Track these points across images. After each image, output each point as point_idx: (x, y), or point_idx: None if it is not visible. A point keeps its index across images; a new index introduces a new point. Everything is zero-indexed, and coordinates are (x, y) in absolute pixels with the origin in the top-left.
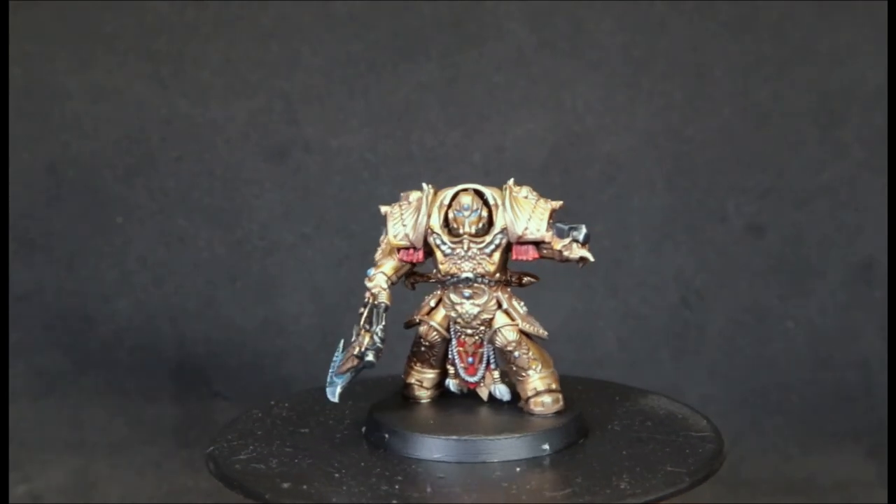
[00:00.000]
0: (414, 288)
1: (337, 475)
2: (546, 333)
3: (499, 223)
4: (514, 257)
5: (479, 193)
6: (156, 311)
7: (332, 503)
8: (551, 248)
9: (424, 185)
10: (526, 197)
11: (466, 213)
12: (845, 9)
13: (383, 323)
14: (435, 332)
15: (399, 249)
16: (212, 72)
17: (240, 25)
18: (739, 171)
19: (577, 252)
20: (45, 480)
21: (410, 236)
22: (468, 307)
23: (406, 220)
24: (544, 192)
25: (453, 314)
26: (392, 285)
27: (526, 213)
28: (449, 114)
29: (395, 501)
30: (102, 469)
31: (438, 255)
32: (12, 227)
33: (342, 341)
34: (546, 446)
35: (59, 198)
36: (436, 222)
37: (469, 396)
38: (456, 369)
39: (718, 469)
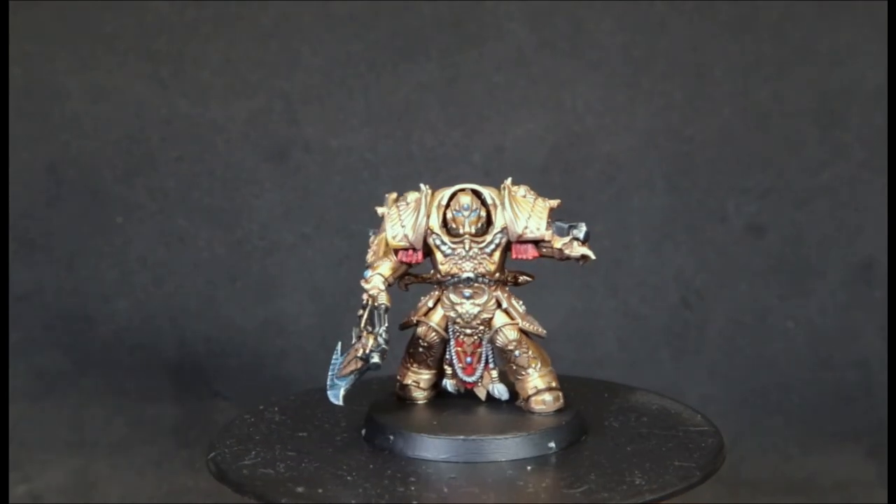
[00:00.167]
0: (407, 289)
1: (349, 478)
2: (545, 332)
3: (498, 222)
4: (514, 256)
5: (476, 193)
6: (156, 311)
7: None
8: (551, 247)
9: (422, 185)
10: (524, 196)
11: (466, 213)
12: (845, 9)
13: (386, 324)
14: (434, 333)
15: (397, 251)
16: (212, 72)
17: (240, 25)
18: (739, 171)
19: (579, 250)
20: (45, 480)
21: (410, 237)
22: (468, 307)
23: (405, 220)
24: (544, 192)
25: (453, 314)
26: (389, 286)
27: (525, 212)
28: (449, 114)
29: (414, 502)
30: (102, 469)
31: (438, 255)
32: (12, 227)
33: (340, 344)
34: (552, 444)
35: (59, 198)
36: (435, 223)
37: (466, 396)
38: (454, 369)
39: (723, 463)
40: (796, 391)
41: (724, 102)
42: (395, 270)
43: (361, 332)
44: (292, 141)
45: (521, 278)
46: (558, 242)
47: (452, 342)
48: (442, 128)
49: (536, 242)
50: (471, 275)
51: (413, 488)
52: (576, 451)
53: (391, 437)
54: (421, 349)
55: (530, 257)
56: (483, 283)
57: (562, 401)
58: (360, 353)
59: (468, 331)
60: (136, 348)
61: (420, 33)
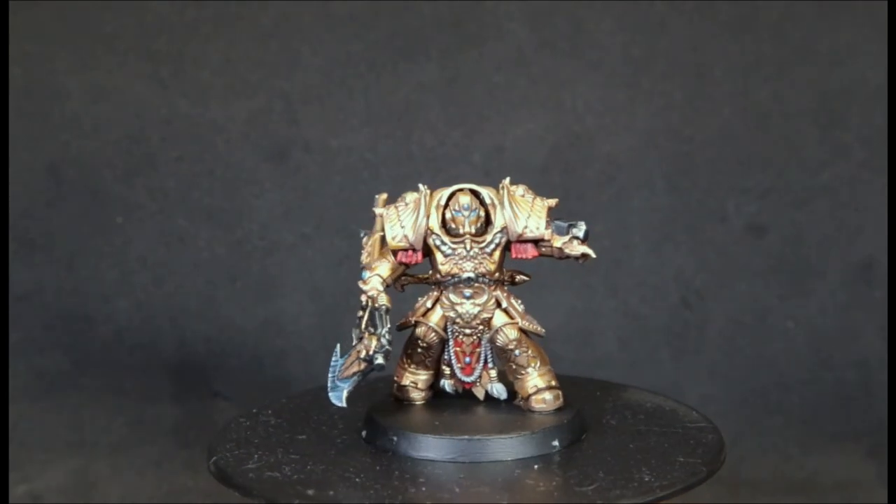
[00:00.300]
0: (403, 290)
1: (357, 479)
2: (543, 331)
3: (498, 222)
4: (513, 256)
5: (475, 193)
6: (156, 311)
7: None
8: (550, 246)
9: (421, 185)
10: (523, 195)
11: (466, 213)
12: (845, 9)
13: (388, 325)
14: (433, 334)
15: (395, 251)
16: (212, 72)
17: (240, 25)
18: (739, 171)
19: (579, 248)
20: (45, 480)
21: (410, 237)
22: (468, 307)
23: (404, 221)
24: (545, 192)
25: (452, 314)
26: (387, 287)
27: (525, 212)
28: (449, 114)
29: (428, 502)
30: (102, 469)
31: (438, 255)
32: (12, 227)
33: (339, 346)
34: (556, 443)
35: (59, 198)
36: (434, 223)
37: (464, 396)
38: (452, 370)
39: (725, 459)
40: (796, 391)
41: (724, 102)
42: (393, 271)
43: (363, 333)
44: (292, 141)
45: (519, 277)
46: (558, 241)
47: (451, 342)
48: (442, 128)
49: (536, 242)
50: (471, 275)
51: (424, 489)
52: (579, 449)
53: (394, 439)
54: (420, 350)
55: (530, 256)
56: (483, 282)
57: (561, 399)
58: (363, 355)
59: (467, 331)
60: (136, 348)
61: (420, 33)
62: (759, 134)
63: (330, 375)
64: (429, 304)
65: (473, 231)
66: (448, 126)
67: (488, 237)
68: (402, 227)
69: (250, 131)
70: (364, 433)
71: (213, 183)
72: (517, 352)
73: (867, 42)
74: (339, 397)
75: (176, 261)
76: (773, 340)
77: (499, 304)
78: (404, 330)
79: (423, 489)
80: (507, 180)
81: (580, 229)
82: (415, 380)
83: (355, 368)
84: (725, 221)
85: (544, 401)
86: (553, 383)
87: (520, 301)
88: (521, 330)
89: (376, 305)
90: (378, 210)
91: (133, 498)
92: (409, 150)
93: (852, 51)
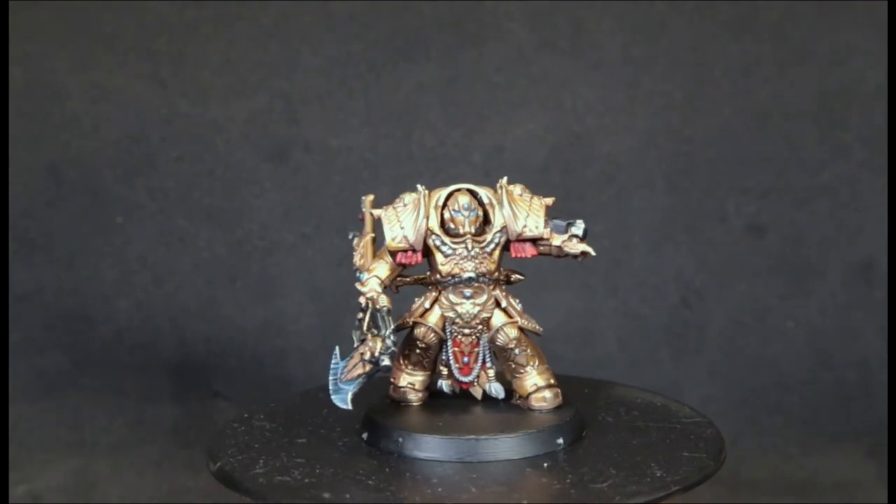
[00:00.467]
0: (398, 291)
1: (370, 482)
2: (541, 329)
3: (497, 221)
4: (513, 255)
5: (473, 193)
6: (156, 311)
7: None
8: (549, 245)
9: (419, 186)
10: (520, 195)
11: (466, 213)
12: (845, 9)
13: (392, 326)
14: (433, 334)
15: (393, 252)
16: (212, 72)
17: (240, 25)
18: (739, 171)
19: (579, 247)
20: (45, 480)
21: (410, 238)
22: (468, 307)
23: (404, 222)
24: (545, 192)
25: (452, 314)
26: (385, 289)
27: (524, 211)
28: (449, 114)
29: (450, 503)
30: (102, 469)
31: (438, 256)
32: (12, 227)
33: (337, 348)
34: (560, 440)
35: (59, 198)
36: (434, 223)
37: (461, 396)
38: (450, 370)
39: (725, 458)
40: (796, 391)
41: (724, 102)
42: (392, 272)
43: (365, 335)
44: (292, 141)
45: (514, 277)
46: (557, 240)
47: (450, 342)
48: (442, 128)
49: (535, 241)
50: (472, 274)
51: (440, 489)
52: (582, 446)
53: (399, 440)
54: (418, 351)
55: (529, 255)
56: (483, 282)
57: (561, 397)
58: (367, 357)
59: (466, 331)
60: (136, 348)
61: (420, 33)
62: (759, 134)
63: (331, 378)
64: (427, 305)
65: (473, 231)
66: (448, 126)
67: (488, 237)
68: (402, 228)
69: (250, 131)
70: (365, 435)
71: (213, 183)
72: (517, 351)
73: (867, 42)
74: (344, 400)
75: (176, 261)
76: (773, 340)
77: (498, 304)
78: (401, 331)
79: (440, 489)
80: (505, 180)
81: (579, 227)
82: (412, 381)
83: (360, 370)
84: (725, 221)
85: (544, 399)
86: (552, 381)
87: (518, 300)
88: (520, 329)
89: (377, 307)
90: (375, 211)
91: (133, 498)
92: (409, 150)
93: (852, 51)
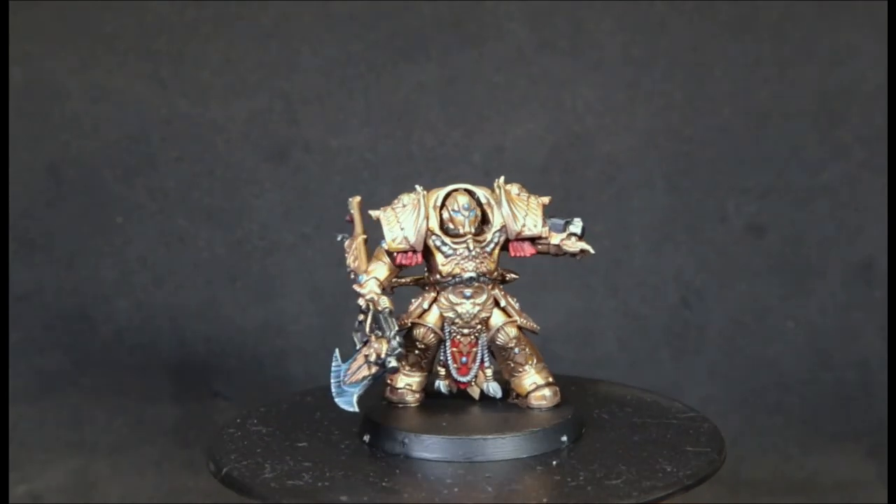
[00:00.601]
0: (393, 292)
1: (384, 484)
2: (538, 328)
3: (497, 221)
4: (512, 254)
5: (470, 193)
6: (156, 311)
7: None
8: (547, 243)
9: (418, 186)
10: (518, 194)
11: (466, 213)
12: (845, 9)
13: (395, 327)
14: (432, 335)
15: (391, 253)
16: (212, 72)
17: (240, 25)
18: (739, 171)
19: (578, 245)
20: (45, 480)
21: (410, 239)
22: (468, 307)
23: (403, 223)
24: (545, 192)
25: (451, 315)
26: (383, 290)
27: (522, 210)
28: (449, 114)
29: (470, 502)
30: (102, 469)
31: (439, 256)
32: (12, 227)
33: (337, 350)
34: (564, 438)
35: (59, 198)
36: (434, 224)
37: (459, 396)
38: (448, 370)
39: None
40: (796, 391)
41: (724, 102)
42: (390, 273)
43: (368, 336)
44: (292, 141)
45: (509, 276)
46: (556, 238)
47: (448, 343)
48: (442, 128)
49: (533, 240)
50: (473, 274)
51: (456, 490)
52: (586, 443)
53: (405, 442)
54: (417, 351)
55: (528, 254)
56: (483, 282)
57: (559, 395)
58: (373, 359)
59: (465, 331)
60: (136, 348)
61: (420, 33)
62: (759, 134)
63: (333, 381)
64: (425, 306)
65: (473, 231)
66: (448, 126)
67: (488, 236)
68: (402, 229)
69: (250, 131)
70: (367, 437)
71: (213, 183)
72: (517, 350)
73: (867, 42)
74: (350, 402)
75: (176, 261)
76: (773, 340)
77: (497, 303)
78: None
79: (455, 490)
80: (502, 179)
81: (577, 226)
82: (410, 382)
83: (365, 372)
84: (725, 221)
85: (544, 397)
86: (550, 380)
87: (515, 299)
88: (519, 327)
89: (379, 309)
90: (373, 213)
91: (133, 498)
92: (409, 150)
93: (852, 51)
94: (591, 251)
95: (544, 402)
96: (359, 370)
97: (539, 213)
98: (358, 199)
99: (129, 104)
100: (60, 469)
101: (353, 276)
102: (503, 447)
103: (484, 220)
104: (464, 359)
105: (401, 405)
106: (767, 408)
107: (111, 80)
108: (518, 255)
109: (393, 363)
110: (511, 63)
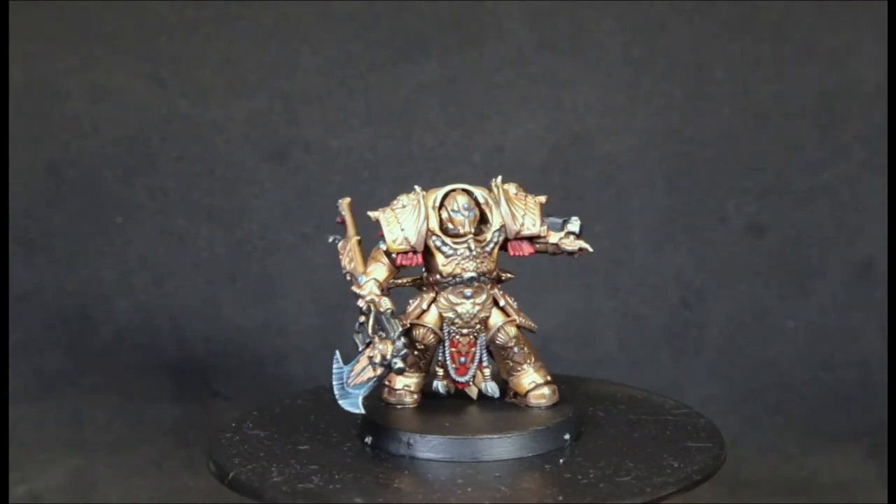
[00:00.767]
0: (389, 292)
1: (397, 485)
2: (535, 326)
3: (496, 221)
4: (511, 254)
5: (468, 193)
6: (156, 311)
7: None
8: (546, 242)
9: (417, 187)
10: (515, 194)
11: (466, 213)
12: (845, 9)
13: (399, 328)
14: (432, 335)
15: (389, 253)
16: (212, 72)
17: (240, 25)
18: (739, 171)
19: (577, 243)
20: (45, 480)
21: (411, 240)
22: (468, 307)
23: (404, 223)
24: (545, 192)
25: (451, 315)
26: (383, 291)
27: (521, 210)
28: (449, 114)
29: (488, 502)
30: (102, 469)
31: (439, 257)
32: (12, 227)
33: (337, 352)
34: (567, 436)
35: (59, 198)
36: (434, 224)
37: (456, 396)
38: (446, 370)
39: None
40: (796, 391)
41: (724, 102)
42: (389, 274)
43: (371, 338)
44: (292, 141)
45: (505, 276)
46: (554, 237)
47: (447, 343)
48: (442, 128)
49: (531, 239)
50: (474, 274)
51: (470, 490)
52: (587, 441)
53: (410, 443)
54: (416, 352)
55: (526, 253)
56: (483, 281)
57: (557, 394)
58: (377, 360)
59: (465, 331)
60: (136, 348)
61: (420, 33)
62: (759, 134)
63: (336, 384)
64: (424, 306)
65: (472, 231)
66: (448, 126)
67: (488, 236)
68: (403, 230)
69: (250, 131)
70: (369, 439)
71: (213, 183)
72: (516, 349)
73: (867, 42)
74: (355, 404)
75: (176, 261)
76: (773, 340)
77: (496, 303)
78: None
79: (469, 490)
80: (499, 178)
81: (575, 224)
82: (408, 383)
83: (370, 374)
84: (725, 221)
85: (543, 396)
86: (548, 378)
87: (513, 298)
88: (518, 326)
89: (381, 310)
90: (372, 214)
91: (133, 498)
92: (409, 150)
93: (852, 51)
94: (590, 249)
95: (543, 401)
96: (363, 372)
97: (537, 212)
98: (348, 200)
99: (129, 104)
100: (60, 469)
101: (349, 278)
102: (509, 446)
103: (482, 220)
104: (462, 359)
105: (399, 406)
106: (767, 408)
107: (111, 80)
108: (517, 254)
109: (399, 364)
110: (511, 63)
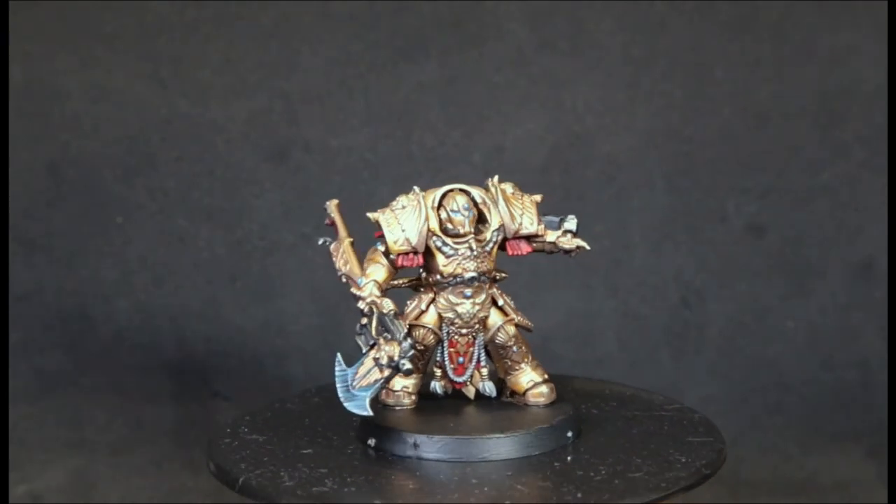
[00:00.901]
0: (386, 294)
1: (412, 486)
2: (532, 325)
3: (494, 220)
4: (510, 253)
5: (466, 192)
6: (156, 311)
7: None
8: (543, 241)
9: (416, 188)
10: (512, 193)
11: (465, 213)
12: (845, 9)
13: (404, 329)
14: (432, 335)
15: (387, 254)
16: (212, 72)
17: (240, 25)
18: (739, 171)
19: (574, 242)
20: (45, 480)
21: (412, 240)
22: (468, 307)
23: (405, 224)
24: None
25: (451, 315)
26: (382, 293)
27: (518, 209)
28: (449, 114)
29: (507, 502)
30: (102, 469)
31: (440, 257)
32: (12, 227)
33: (339, 355)
34: (570, 434)
35: (59, 198)
36: (434, 225)
37: (453, 396)
38: (444, 371)
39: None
40: (796, 391)
41: (724, 102)
42: (389, 275)
43: (375, 340)
44: (292, 141)
45: (500, 275)
46: (551, 236)
47: (445, 343)
48: (442, 128)
49: (529, 238)
50: (475, 274)
51: (486, 489)
52: (589, 438)
53: (417, 444)
54: (416, 353)
55: (524, 252)
56: (483, 281)
57: (555, 392)
58: (384, 362)
59: (464, 331)
60: (136, 348)
61: (420, 33)
62: (759, 134)
63: (340, 386)
64: (423, 307)
65: (472, 231)
66: (448, 126)
67: (487, 235)
68: (404, 231)
69: (250, 131)
70: (373, 441)
71: (213, 183)
72: (514, 348)
73: (867, 42)
74: (362, 406)
75: (176, 261)
76: (773, 340)
77: (494, 302)
78: None
79: (486, 489)
80: (496, 178)
81: (572, 223)
82: (406, 384)
83: (377, 375)
84: (725, 221)
85: (542, 394)
86: (546, 377)
87: (510, 297)
88: (516, 325)
89: (384, 312)
90: (371, 215)
91: (133, 498)
92: (409, 150)
93: (852, 51)
94: (587, 247)
95: (542, 399)
96: (369, 374)
97: (534, 211)
98: (335, 202)
99: (129, 104)
100: (60, 469)
101: (344, 280)
102: (516, 445)
103: (480, 220)
104: (460, 359)
105: (398, 407)
106: (767, 408)
107: (111, 80)
108: (515, 253)
109: (408, 365)
110: (511, 63)
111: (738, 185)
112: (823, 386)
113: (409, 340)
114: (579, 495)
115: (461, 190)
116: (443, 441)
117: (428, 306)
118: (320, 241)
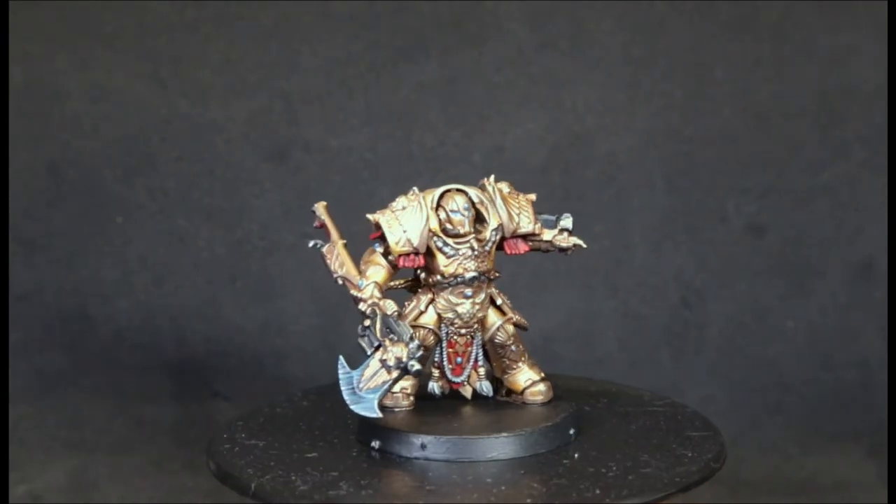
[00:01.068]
0: (385, 295)
1: (429, 488)
2: (528, 323)
3: (493, 220)
4: (508, 252)
5: (463, 192)
6: (156, 311)
7: None
8: (540, 240)
9: (415, 188)
10: (509, 192)
11: (465, 213)
12: (845, 9)
13: (410, 331)
14: (433, 336)
15: (387, 255)
16: (212, 72)
17: (240, 25)
18: (739, 171)
19: (571, 240)
20: (45, 480)
21: (414, 241)
22: (468, 307)
23: (406, 225)
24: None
25: (451, 315)
26: (383, 294)
27: (515, 208)
28: (449, 114)
29: (529, 501)
30: (102, 469)
31: (440, 257)
32: (12, 227)
33: (341, 357)
34: (572, 431)
35: (59, 198)
36: (435, 225)
37: (450, 397)
38: (442, 371)
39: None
40: (796, 391)
41: (724, 102)
42: (389, 276)
43: (381, 341)
44: (292, 141)
45: (493, 274)
46: (548, 234)
47: (444, 343)
48: (442, 128)
49: (526, 237)
50: (475, 274)
51: (503, 488)
52: (590, 436)
53: (424, 445)
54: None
55: (522, 251)
56: (482, 281)
57: (552, 390)
58: (391, 363)
59: (463, 331)
60: (136, 348)
61: (420, 33)
62: (759, 134)
63: (346, 389)
64: (422, 307)
65: (472, 231)
66: (448, 126)
67: (486, 235)
68: (405, 232)
69: (250, 131)
70: (377, 443)
71: (213, 183)
72: (513, 347)
73: (867, 42)
74: (370, 408)
75: (176, 261)
76: (773, 340)
77: (493, 302)
78: None
79: (502, 488)
80: (492, 178)
81: (568, 221)
82: (405, 385)
83: (384, 377)
84: (725, 221)
85: (540, 392)
86: (542, 375)
87: (506, 296)
88: (513, 324)
89: (388, 313)
90: (372, 216)
91: (133, 498)
92: (409, 150)
93: (852, 51)
94: (583, 245)
95: (540, 398)
96: (376, 376)
97: (530, 210)
98: (324, 204)
99: (129, 104)
100: (60, 469)
101: (341, 283)
102: (523, 444)
103: (478, 219)
104: (459, 359)
105: (397, 409)
106: (767, 408)
107: (111, 80)
108: (513, 252)
109: (417, 366)
110: (511, 63)
111: (738, 185)
112: (823, 386)
113: (416, 341)
114: (597, 492)
115: (458, 190)
116: (451, 441)
117: (427, 307)
118: (311, 244)
